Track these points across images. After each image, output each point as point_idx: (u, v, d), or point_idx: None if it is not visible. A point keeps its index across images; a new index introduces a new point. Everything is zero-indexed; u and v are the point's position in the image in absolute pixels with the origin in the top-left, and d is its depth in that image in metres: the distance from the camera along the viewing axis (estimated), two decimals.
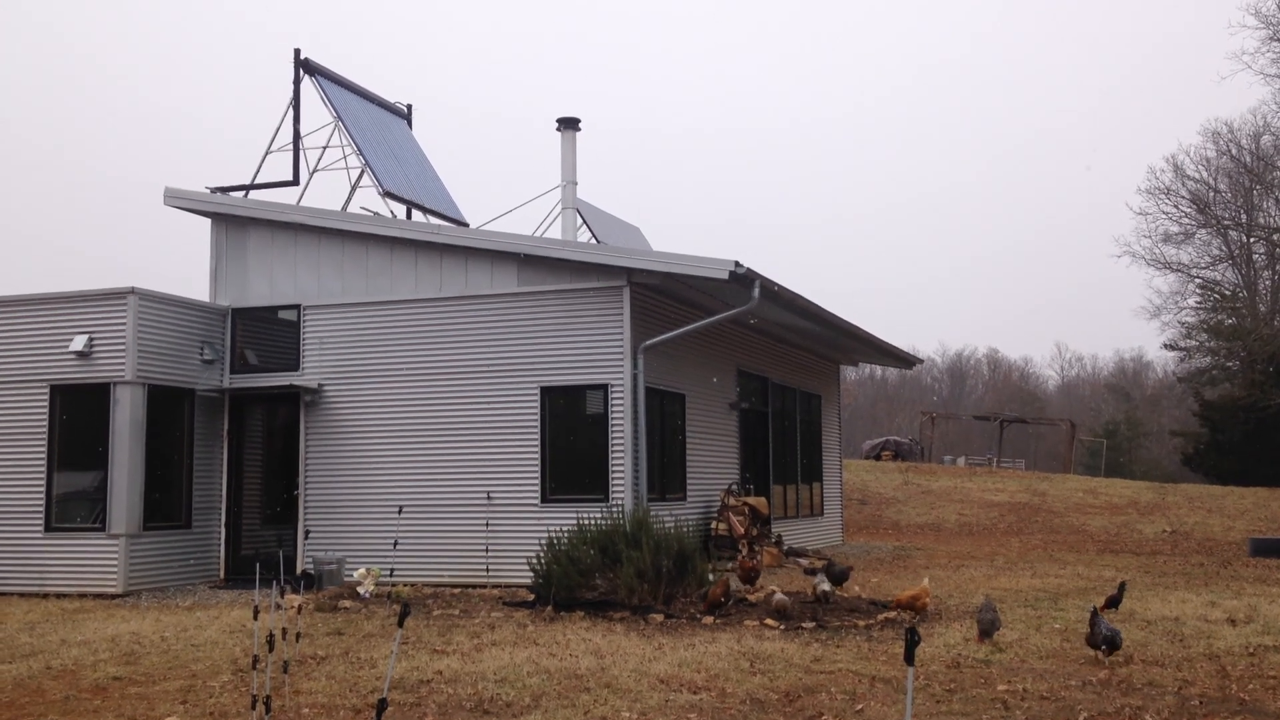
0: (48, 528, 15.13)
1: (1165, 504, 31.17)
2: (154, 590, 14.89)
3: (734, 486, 17.96)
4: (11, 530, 15.26)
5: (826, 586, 12.01)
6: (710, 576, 12.22)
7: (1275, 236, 46.71)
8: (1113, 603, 11.71)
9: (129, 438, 14.92)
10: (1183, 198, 47.43)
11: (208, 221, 17.13)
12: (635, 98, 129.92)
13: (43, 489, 15.23)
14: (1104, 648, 8.66)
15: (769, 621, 10.94)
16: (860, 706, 7.51)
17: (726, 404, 18.47)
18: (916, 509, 31.56)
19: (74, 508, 15.28)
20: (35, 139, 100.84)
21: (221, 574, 16.12)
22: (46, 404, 15.32)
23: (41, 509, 15.18)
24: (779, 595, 11.37)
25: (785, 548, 18.43)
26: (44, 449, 15.29)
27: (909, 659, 5.17)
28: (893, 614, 11.26)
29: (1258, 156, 45.66)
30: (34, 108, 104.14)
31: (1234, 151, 46.35)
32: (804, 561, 17.51)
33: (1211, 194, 47.50)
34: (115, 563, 14.66)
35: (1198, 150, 48.48)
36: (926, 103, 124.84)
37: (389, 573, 14.60)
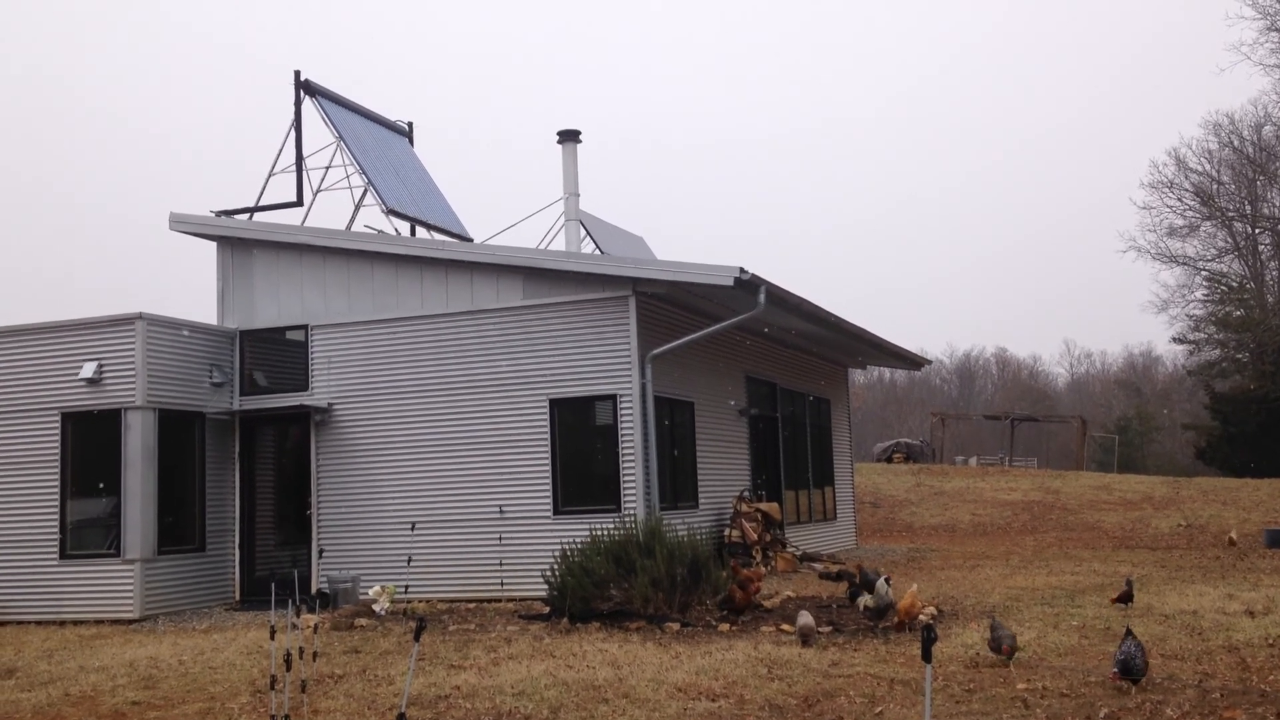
0: (62, 555, 15.17)
1: (1179, 498, 31.05)
2: (170, 614, 14.91)
3: (746, 493, 17.95)
4: (27, 559, 15.29)
5: (872, 603, 10.90)
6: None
7: None
8: (1124, 599, 11.67)
9: (141, 463, 14.96)
10: (1186, 191, 47.39)
11: (213, 246, 17.21)
12: (636, 108, 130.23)
13: (56, 517, 15.27)
14: (1117, 670, 7.86)
15: (785, 627, 10.91)
16: (879, 709, 7.49)
17: (736, 410, 18.46)
18: (930, 510, 31.48)
19: (88, 534, 15.31)
20: (34, 171, 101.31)
21: (237, 595, 16.14)
22: (58, 432, 15.37)
23: (56, 537, 15.22)
24: (805, 620, 10.34)
25: (799, 553, 18.39)
26: (56, 477, 15.33)
27: (926, 657, 5.16)
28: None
29: (1260, 147, 45.59)
30: (31, 140, 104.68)
31: (1236, 143, 46.30)
32: (818, 566, 17.47)
33: (1215, 186, 47.44)
34: (131, 588, 14.69)
35: (1199, 143, 48.48)
36: (927, 106, 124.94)
37: (404, 589, 14.60)
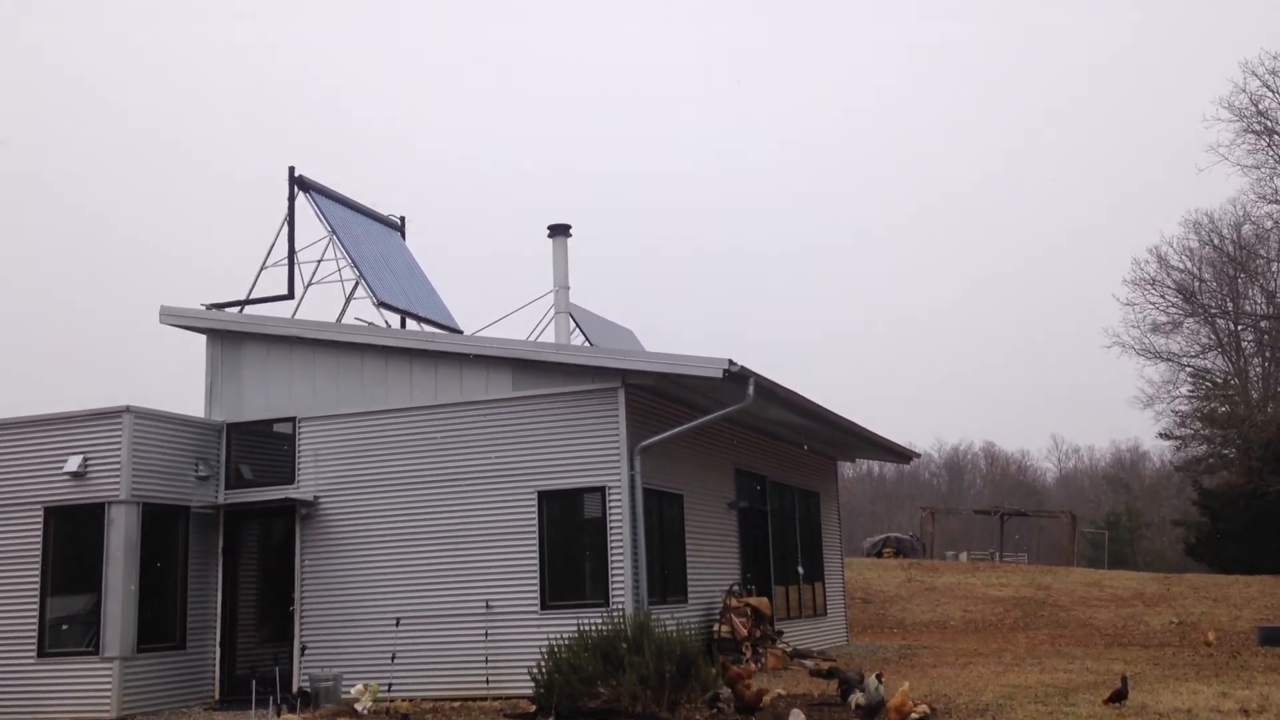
0: (40, 653, 14.88)
1: (1170, 595, 30.83)
2: (148, 714, 14.58)
3: (735, 587, 17.76)
4: (4, 657, 15.00)
5: (863, 701, 10.81)
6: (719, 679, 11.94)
7: (1263, 324, 47.16)
8: (1118, 697, 11.53)
9: (123, 558, 14.77)
10: (1168, 288, 48.04)
11: (203, 339, 17.23)
12: (628, 204, 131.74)
13: (36, 614, 15.02)
14: None
15: None
16: None
17: (725, 503, 18.38)
18: (921, 606, 31.17)
19: (67, 631, 15.05)
20: (21, 263, 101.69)
21: (216, 694, 15.80)
22: (40, 526, 15.19)
23: (34, 634, 14.95)
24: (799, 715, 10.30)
25: (790, 649, 18.15)
26: (37, 572, 15.11)
27: None
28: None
29: (1240, 245, 46.37)
30: (18, 232, 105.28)
31: (1216, 241, 47.12)
32: (809, 663, 17.20)
33: (1197, 283, 48.11)
34: (109, 687, 14.38)
35: (1180, 241, 49.16)
36: (919, 219, 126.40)
37: (387, 688, 14.33)
